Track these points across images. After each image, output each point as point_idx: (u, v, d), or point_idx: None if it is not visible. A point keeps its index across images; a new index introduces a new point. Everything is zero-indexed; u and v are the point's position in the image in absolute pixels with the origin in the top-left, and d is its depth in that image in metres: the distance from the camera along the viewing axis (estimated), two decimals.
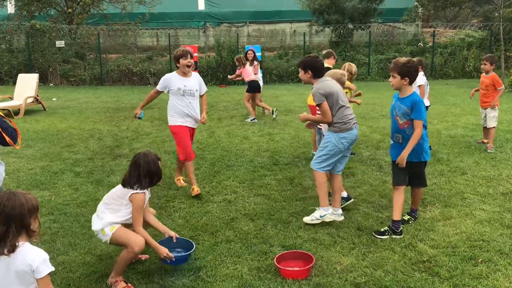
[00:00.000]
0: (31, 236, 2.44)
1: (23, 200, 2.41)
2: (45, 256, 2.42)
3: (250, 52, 10.95)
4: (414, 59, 7.73)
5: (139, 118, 6.08)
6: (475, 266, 3.77)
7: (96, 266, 3.89)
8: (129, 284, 3.55)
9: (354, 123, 4.68)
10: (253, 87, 10.55)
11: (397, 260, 3.89)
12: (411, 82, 4.29)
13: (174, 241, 3.89)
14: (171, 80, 5.69)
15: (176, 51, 5.72)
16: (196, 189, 5.58)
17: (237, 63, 11.00)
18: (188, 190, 5.83)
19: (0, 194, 2.47)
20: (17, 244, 2.39)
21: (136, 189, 3.59)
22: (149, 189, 3.79)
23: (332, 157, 4.62)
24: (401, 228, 4.37)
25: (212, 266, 3.85)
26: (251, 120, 10.33)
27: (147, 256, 4.05)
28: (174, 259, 3.68)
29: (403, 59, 4.30)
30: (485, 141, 7.66)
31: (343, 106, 4.58)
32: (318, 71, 4.62)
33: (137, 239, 3.52)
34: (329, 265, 3.84)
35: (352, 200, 5.19)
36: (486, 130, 7.68)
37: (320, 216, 4.59)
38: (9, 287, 2.40)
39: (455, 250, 4.04)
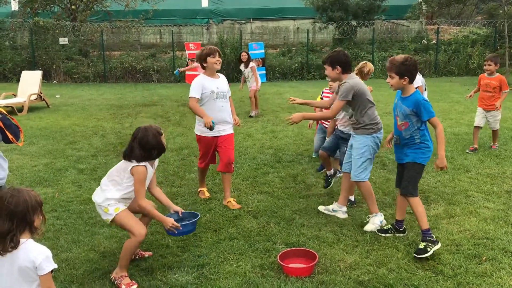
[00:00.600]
0: (34, 232, 2.45)
1: (26, 196, 2.42)
2: (48, 253, 2.42)
3: (243, 54, 10.75)
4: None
5: (212, 127, 4.90)
6: (479, 264, 3.76)
7: (100, 263, 3.89)
8: (133, 281, 3.55)
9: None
10: None
11: (401, 257, 3.88)
12: (411, 81, 4.00)
13: (180, 215, 3.86)
14: (204, 83, 5.02)
15: (202, 49, 5.11)
16: (233, 203, 5.11)
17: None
18: (192, 187, 5.83)
19: (4, 191, 2.49)
20: (20, 240, 2.40)
21: (135, 162, 3.58)
22: (155, 162, 3.80)
23: (372, 161, 4.49)
24: (434, 237, 4.00)
25: (215, 263, 3.85)
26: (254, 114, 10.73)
27: (150, 253, 4.06)
28: (180, 228, 3.67)
29: (400, 57, 4.00)
30: (476, 147, 7.24)
31: (373, 105, 4.44)
32: (347, 66, 4.41)
33: (140, 227, 3.53)
34: (333, 262, 3.83)
35: (355, 205, 5.16)
36: (476, 131, 7.35)
37: (380, 222, 4.46)
38: (13, 284, 2.40)
39: (459, 248, 4.02)
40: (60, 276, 3.66)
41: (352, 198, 5.12)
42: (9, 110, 10.97)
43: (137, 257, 3.98)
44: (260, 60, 19.28)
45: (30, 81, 12.51)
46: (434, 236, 4.00)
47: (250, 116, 10.52)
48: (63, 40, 19.97)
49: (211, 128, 4.88)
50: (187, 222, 3.78)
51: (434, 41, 21.51)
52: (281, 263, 3.70)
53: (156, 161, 3.85)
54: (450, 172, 6.17)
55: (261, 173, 6.37)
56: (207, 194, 5.47)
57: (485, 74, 7.33)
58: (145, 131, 3.64)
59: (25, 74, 13.04)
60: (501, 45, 19.22)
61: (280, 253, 3.83)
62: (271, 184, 5.89)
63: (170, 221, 3.63)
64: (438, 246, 3.92)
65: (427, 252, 3.82)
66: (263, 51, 19.29)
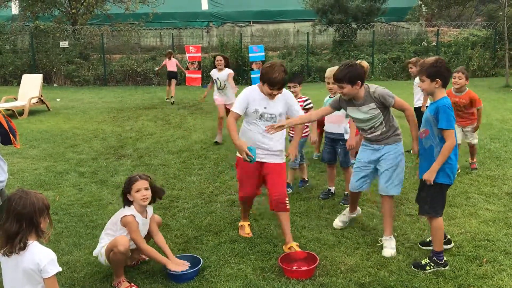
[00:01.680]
0: (40, 235, 2.46)
1: (34, 199, 2.44)
2: (53, 256, 2.44)
3: (219, 58, 8.52)
4: (413, 58, 7.73)
5: (252, 160, 4.04)
6: (480, 266, 3.76)
7: (100, 266, 3.89)
8: (132, 284, 3.55)
9: None
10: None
11: (402, 260, 3.88)
12: (444, 85, 3.68)
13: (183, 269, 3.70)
14: (251, 96, 4.27)
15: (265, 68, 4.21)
16: (296, 249, 4.04)
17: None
18: (192, 190, 5.83)
19: (12, 192, 2.51)
20: (27, 242, 2.41)
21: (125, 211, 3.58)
22: (149, 210, 3.75)
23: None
24: (443, 260, 3.76)
25: (216, 266, 3.85)
26: None
27: None
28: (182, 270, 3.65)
29: (430, 59, 3.73)
30: (474, 160, 6.51)
31: None
32: (363, 78, 3.94)
33: (121, 239, 3.46)
34: (333, 265, 3.84)
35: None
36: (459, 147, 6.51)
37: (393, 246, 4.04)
38: (17, 286, 2.41)
39: (460, 250, 4.03)
40: (61, 279, 3.66)
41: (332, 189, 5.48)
42: (10, 114, 10.99)
43: (139, 262, 3.98)
44: (261, 62, 19.31)
45: (31, 85, 12.52)
46: (444, 259, 3.75)
47: (216, 142, 8.25)
48: (64, 44, 20.01)
49: (250, 161, 4.01)
50: (190, 271, 3.69)
51: (434, 43, 21.54)
52: (282, 265, 3.70)
53: (150, 210, 3.79)
54: None
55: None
56: (247, 231, 4.43)
57: (452, 90, 5.95)
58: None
59: (26, 78, 13.05)
60: (501, 47, 19.24)
61: (281, 256, 3.83)
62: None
63: (172, 266, 3.61)
64: (445, 268, 3.72)
65: (425, 270, 3.68)
66: (263, 53, 19.31)
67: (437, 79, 3.64)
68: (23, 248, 2.38)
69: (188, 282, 3.60)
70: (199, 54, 19.25)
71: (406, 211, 4.94)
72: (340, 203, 5.21)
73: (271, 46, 23.32)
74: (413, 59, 7.66)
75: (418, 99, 7.36)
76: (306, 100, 5.70)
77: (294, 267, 3.75)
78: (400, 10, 23.38)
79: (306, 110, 5.46)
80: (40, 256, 2.39)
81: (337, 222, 4.60)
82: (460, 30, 24.30)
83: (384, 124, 3.97)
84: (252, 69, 19.23)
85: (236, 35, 22.19)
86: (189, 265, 3.73)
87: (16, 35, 21.16)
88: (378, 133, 4.01)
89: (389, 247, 4.01)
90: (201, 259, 3.82)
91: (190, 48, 19.48)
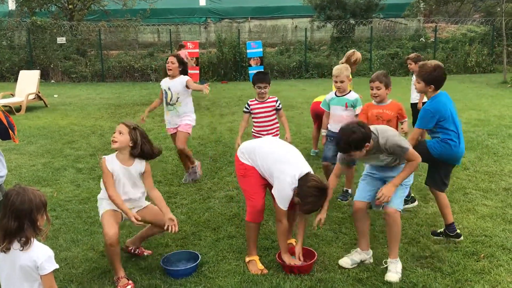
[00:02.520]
0: (37, 233, 2.44)
1: (31, 195, 2.42)
2: (50, 253, 2.43)
3: (171, 60, 6.11)
4: (412, 54, 7.72)
5: None
6: (477, 261, 3.77)
7: (99, 262, 3.89)
8: (130, 281, 3.54)
9: None
10: None
11: (400, 255, 3.87)
12: (436, 88, 4.05)
13: (174, 222, 3.57)
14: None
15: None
16: (293, 243, 3.94)
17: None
18: (190, 186, 5.83)
19: (10, 189, 2.49)
20: (31, 239, 2.40)
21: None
22: (137, 162, 3.73)
23: None
24: (457, 231, 4.14)
25: (214, 262, 3.86)
26: None
27: (150, 251, 4.06)
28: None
29: (431, 65, 4.02)
30: None
31: None
32: (370, 137, 3.51)
33: (107, 230, 3.41)
34: (332, 260, 3.84)
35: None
36: None
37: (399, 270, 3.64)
38: (14, 283, 2.40)
39: (458, 246, 4.04)
40: (59, 275, 3.66)
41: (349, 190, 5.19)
42: (7, 110, 10.95)
43: (137, 252, 3.99)
44: (259, 58, 19.29)
45: (28, 81, 12.49)
46: (456, 231, 4.16)
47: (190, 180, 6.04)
48: (61, 40, 19.93)
49: None
50: (188, 267, 3.70)
51: (432, 39, 21.54)
52: (280, 261, 3.71)
53: (141, 163, 3.74)
54: None
55: None
56: (260, 267, 3.72)
57: (373, 102, 4.81)
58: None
59: (23, 74, 13.02)
60: (499, 43, 19.25)
61: (279, 252, 3.83)
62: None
63: (132, 215, 3.47)
64: (458, 239, 4.12)
65: (438, 236, 4.17)
66: (261, 50, 19.27)
67: (431, 85, 4.01)
68: (26, 243, 2.37)
69: (186, 278, 3.61)
70: (197, 50, 19.20)
71: (403, 207, 4.94)
72: (338, 199, 5.21)
73: (269, 42, 23.28)
74: (412, 55, 7.65)
75: (416, 96, 7.35)
76: (278, 100, 5.27)
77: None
78: (398, 6, 23.37)
79: (278, 110, 5.21)
80: (37, 253, 2.38)
81: (346, 260, 3.81)
82: (458, 26, 24.29)
83: (399, 160, 3.66)
84: (250, 65, 19.22)
85: (234, 31, 22.14)
86: (174, 220, 3.59)
87: (13, 31, 21.07)
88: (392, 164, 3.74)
89: (394, 272, 3.57)
90: (199, 255, 3.83)
91: (188, 44, 19.45)
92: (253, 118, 5.26)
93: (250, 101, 5.30)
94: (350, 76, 5.25)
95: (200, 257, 3.80)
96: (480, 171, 6.12)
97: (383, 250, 3.99)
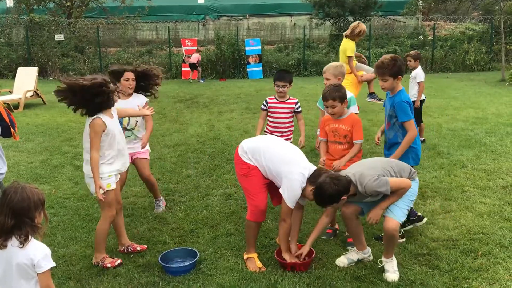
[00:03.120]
0: (35, 230, 2.44)
1: (29, 193, 2.41)
2: (47, 251, 2.42)
3: (128, 77, 4.63)
4: (412, 52, 7.81)
5: None
6: (475, 259, 3.78)
7: None
8: (116, 258, 3.62)
9: None
10: None
11: (398, 253, 3.89)
12: (401, 77, 4.04)
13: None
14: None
15: None
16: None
17: None
18: (188, 184, 5.83)
19: (8, 186, 2.48)
20: (30, 237, 2.40)
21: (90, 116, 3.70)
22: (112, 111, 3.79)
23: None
24: (417, 213, 4.29)
25: (212, 259, 3.86)
26: None
27: (145, 246, 4.07)
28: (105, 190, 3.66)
29: (387, 59, 3.98)
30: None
31: None
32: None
33: (108, 212, 3.73)
34: (329, 258, 3.85)
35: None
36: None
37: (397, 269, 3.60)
38: (11, 280, 2.40)
39: (455, 243, 4.05)
40: (57, 272, 3.66)
41: None
42: (6, 107, 10.92)
43: (129, 249, 4.00)
44: (257, 56, 19.29)
45: (26, 78, 12.46)
46: (417, 214, 4.31)
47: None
48: (59, 37, 19.88)
49: None
50: (186, 264, 3.71)
51: (431, 37, 21.53)
52: (278, 258, 3.71)
53: (114, 110, 3.81)
54: (446, 167, 6.20)
55: None
56: (259, 264, 3.74)
57: (329, 116, 4.21)
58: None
59: (21, 71, 12.99)
60: (497, 41, 19.26)
61: (277, 249, 3.83)
62: None
63: (99, 185, 3.59)
64: (421, 222, 4.30)
65: (406, 226, 4.20)
66: (260, 47, 19.29)
67: (399, 76, 3.99)
68: (26, 241, 2.37)
69: (184, 275, 3.61)
70: (196, 47, 19.20)
71: None
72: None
73: (267, 40, 23.27)
74: (412, 52, 7.75)
75: (414, 93, 7.38)
76: (298, 103, 5.03)
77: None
78: (397, 4, 23.36)
79: (297, 113, 4.99)
80: (34, 251, 2.38)
81: (342, 260, 3.81)
82: (456, 24, 24.31)
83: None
84: (248, 63, 19.21)
85: (233, 29, 22.11)
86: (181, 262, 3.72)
87: (11, 28, 21.02)
88: None
89: (392, 271, 3.53)
90: (197, 252, 3.83)
91: (187, 41, 19.45)
92: (268, 116, 5.05)
93: (269, 98, 5.06)
94: (344, 74, 4.90)
95: (198, 254, 3.80)
96: (478, 169, 6.13)
97: (381, 248, 3.99)
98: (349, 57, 6.76)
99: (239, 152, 3.79)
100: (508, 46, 19.20)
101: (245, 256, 3.82)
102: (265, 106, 5.07)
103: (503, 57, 16.60)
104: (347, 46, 6.83)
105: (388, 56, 4.05)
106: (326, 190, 3.31)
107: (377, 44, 21.35)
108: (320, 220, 3.84)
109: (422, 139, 7.42)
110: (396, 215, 3.50)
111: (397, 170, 3.59)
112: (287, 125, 4.95)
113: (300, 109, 4.99)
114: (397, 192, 3.49)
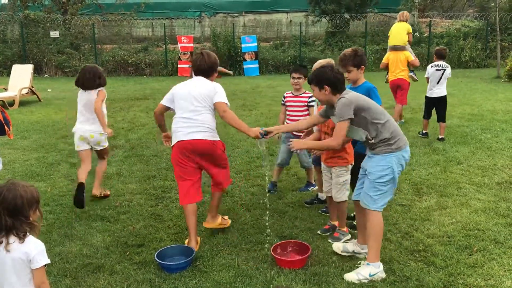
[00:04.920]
0: (31, 228, 2.44)
1: (22, 191, 2.40)
2: (43, 247, 2.42)
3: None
4: (439, 47, 8.47)
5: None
6: (470, 255, 3.80)
7: (93, 256, 3.89)
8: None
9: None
10: None
11: (393, 249, 3.91)
12: (364, 67, 4.09)
13: None
14: None
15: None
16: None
17: None
18: None
19: (1, 184, 2.48)
20: (27, 234, 2.41)
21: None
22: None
23: (393, 188, 3.56)
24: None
25: (209, 256, 3.86)
26: None
27: (108, 192, 5.25)
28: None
29: (349, 51, 4.04)
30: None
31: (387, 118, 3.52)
32: (338, 85, 3.55)
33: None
34: (326, 254, 3.86)
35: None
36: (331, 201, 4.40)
37: (370, 275, 3.43)
38: (5, 277, 2.40)
39: (451, 240, 4.06)
40: (53, 270, 3.65)
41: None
42: (1, 104, 10.89)
43: (102, 194, 5.08)
44: (253, 53, 19.27)
45: (21, 75, 12.41)
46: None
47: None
48: (54, 34, 19.79)
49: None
50: (182, 261, 3.70)
51: (427, 34, 21.56)
52: (275, 255, 3.72)
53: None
54: (442, 164, 6.22)
55: (254, 166, 6.38)
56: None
57: (318, 105, 4.59)
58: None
59: (16, 68, 12.93)
60: (493, 38, 19.31)
61: (273, 246, 3.84)
62: (264, 177, 5.90)
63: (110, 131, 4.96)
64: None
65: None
66: (256, 44, 19.27)
67: (362, 66, 4.04)
68: (24, 237, 2.38)
69: (180, 272, 3.61)
70: (192, 45, 19.16)
71: (397, 201, 4.97)
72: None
73: (263, 37, 23.24)
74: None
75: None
76: (311, 97, 5.00)
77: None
78: (392, 1, 23.34)
79: (310, 107, 5.06)
80: (30, 246, 2.38)
81: (338, 245, 3.90)
82: (452, 21, 24.34)
83: (367, 136, 3.49)
84: (244, 60, 19.19)
85: (229, 26, 22.07)
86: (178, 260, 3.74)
87: (6, 25, 20.91)
88: (362, 141, 3.59)
89: (355, 272, 3.49)
90: (193, 249, 3.83)
91: (182, 38, 19.39)
92: (287, 111, 5.24)
93: (286, 93, 5.27)
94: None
95: (194, 251, 3.80)
96: (473, 165, 6.15)
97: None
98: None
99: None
100: (503, 43, 19.28)
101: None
102: (283, 100, 5.32)
103: (498, 54, 16.65)
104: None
105: (349, 49, 4.14)
106: (324, 69, 3.60)
107: (373, 41, 21.35)
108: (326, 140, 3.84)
109: (425, 131, 7.88)
110: (364, 200, 3.53)
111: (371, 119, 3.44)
112: (302, 118, 5.02)
113: (313, 103, 5.08)
114: (328, 140, 3.57)
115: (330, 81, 3.50)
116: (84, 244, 4.13)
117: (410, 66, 8.58)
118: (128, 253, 3.95)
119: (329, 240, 4.09)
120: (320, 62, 4.42)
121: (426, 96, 7.92)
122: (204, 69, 4.09)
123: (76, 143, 4.96)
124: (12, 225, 2.36)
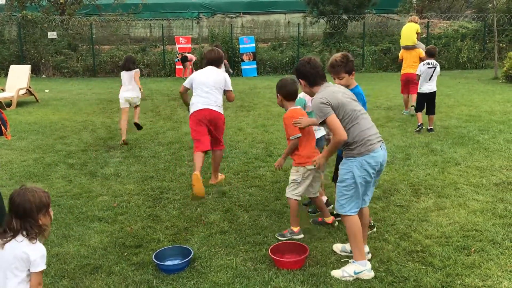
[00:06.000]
0: (40, 232, 2.53)
1: (30, 196, 2.49)
2: (44, 252, 2.50)
3: None
4: (428, 46, 8.55)
5: None
6: (468, 255, 3.80)
7: (90, 257, 3.88)
8: None
9: (379, 141, 3.58)
10: None
11: (391, 250, 3.91)
12: (354, 73, 4.03)
13: None
14: None
15: None
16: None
17: None
18: (182, 182, 5.82)
19: (14, 190, 2.58)
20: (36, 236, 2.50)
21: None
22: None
23: (357, 191, 3.53)
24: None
25: (206, 257, 3.86)
26: None
27: None
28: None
29: (339, 57, 3.90)
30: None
31: (358, 119, 3.51)
32: (312, 78, 3.69)
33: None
34: (324, 255, 3.86)
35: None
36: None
37: (355, 273, 3.49)
38: (4, 270, 2.46)
39: (449, 240, 4.07)
40: (51, 271, 3.64)
41: (324, 198, 4.80)
42: None
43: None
44: (251, 54, 19.28)
45: (19, 76, 12.38)
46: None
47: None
48: (52, 34, 19.76)
49: None
50: (180, 262, 3.70)
51: (425, 35, 21.59)
52: (273, 256, 3.72)
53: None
54: (439, 165, 6.23)
55: (252, 167, 6.38)
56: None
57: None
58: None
59: (14, 69, 12.91)
60: (490, 39, 19.35)
61: (271, 246, 3.84)
62: (262, 178, 5.90)
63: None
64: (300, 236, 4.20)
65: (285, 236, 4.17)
66: (254, 45, 19.28)
67: (353, 72, 3.99)
68: (33, 239, 2.48)
69: (178, 273, 3.60)
70: (189, 45, 19.16)
71: (395, 202, 4.98)
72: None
73: (261, 38, 23.24)
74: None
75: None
76: None
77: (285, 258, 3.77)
78: (390, 2, 23.39)
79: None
80: (32, 248, 2.45)
81: (337, 245, 4.01)
82: (450, 22, 24.38)
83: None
84: (242, 61, 19.20)
85: (227, 26, 22.07)
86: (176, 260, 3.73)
87: (3, 25, 20.85)
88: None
89: (341, 269, 3.57)
90: (191, 250, 3.82)
91: (180, 39, 19.39)
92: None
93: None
94: None
95: (192, 252, 3.80)
96: (471, 166, 6.16)
97: (374, 244, 4.02)
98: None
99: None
100: (501, 44, 19.32)
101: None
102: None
103: (496, 55, 16.68)
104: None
105: (338, 54, 3.98)
106: (302, 65, 3.70)
107: (371, 42, 21.39)
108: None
109: (420, 124, 8.24)
110: (336, 204, 3.62)
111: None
112: None
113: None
114: (333, 132, 3.46)
115: (303, 75, 3.71)
116: (81, 245, 4.12)
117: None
118: (126, 254, 3.95)
119: (276, 235, 4.22)
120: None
121: (418, 92, 8.42)
122: (215, 61, 5.51)
123: (122, 103, 7.81)
124: (20, 228, 2.47)
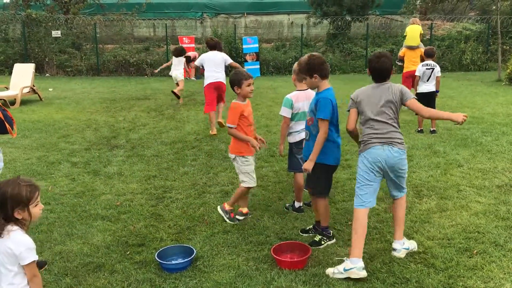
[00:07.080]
0: (20, 226, 2.53)
1: (8, 189, 2.48)
2: (30, 244, 2.49)
3: None
4: (426, 47, 8.71)
5: None
6: (470, 257, 3.80)
7: (93, 256, 3.90)
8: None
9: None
10: None
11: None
12: (322, 76, 3.90)
13: None
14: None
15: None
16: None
17: None
18: (185, 181, 5.84)
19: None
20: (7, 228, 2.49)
21: None
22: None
23: (365, 186, 3.68)
24: (331, 233, 4.14)
25: (209, 257, 3.87)
26: None
27: None
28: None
29: (304, 59, 3.98)
30: None
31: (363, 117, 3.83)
32: (321, 71, 3.92)
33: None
34: (326, 256, 3.86)
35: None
36: None
37: (345, 270, 3.48)
38: None
39: (451, 242, 4.07)
40: (54, 269, 3.66)
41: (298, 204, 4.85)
42: (2, 103, 10.90)
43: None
44: (255, 54, 19.28)
45: (23, 74, 12.42)
46: (331, 232, 4.16)
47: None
48: (56, 33, 19.82)
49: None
50: (183, 261, 3.72)
51: (428, 37, 21.57)
52: (275, 256, 3.73)
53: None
54: (442, 166, 6.22)
55: (255, 167, 6.37)
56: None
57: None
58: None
59: (18, 67, 12.95)
60: (494, 41, 19.32)
61: (273, 246, 3.85)
62: (265, 178, 5.91)
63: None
64: (333, 241, 4.10)
65: (321, 245, 4.03)
66: (257, 45, 19.28)
67: (314, 75, 3.88)
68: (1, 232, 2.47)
69: (181, 272, 3.62)
70: (193, 45, 19.18)
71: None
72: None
73: (265, 38, 23.26)
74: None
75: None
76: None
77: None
78: (394, 3, 23.36)
79: None
80: (16, 242, 2.46)
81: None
82: (453, 23, 24.35)
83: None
84: (246, 61, 19.20)
85: (230, 26, 22.09)
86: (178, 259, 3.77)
87: (8, 24, 20.91)
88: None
89: (335, 267, 3.58)
90: (194, 249, 3.84)
91: (184, 39, 19.41)
92: None
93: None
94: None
95: (195, 251, 3.81)
96: (474, 168, 6.16)
97: (377, 245, 4.02)
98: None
99: None
100: (504, 46, 19.29)
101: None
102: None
103: (499, 57, 16.65)
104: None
105: (305, 56, 4.06)
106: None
107: (374, 43, 21.38)
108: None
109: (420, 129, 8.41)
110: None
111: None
112: None
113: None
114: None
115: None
116: (84, 243, 4.14)
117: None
118: (128, 252, 3.97)
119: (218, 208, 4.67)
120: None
121: (416, 93, 8.53)
122: (214, 46, 8.47)
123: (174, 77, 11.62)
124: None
